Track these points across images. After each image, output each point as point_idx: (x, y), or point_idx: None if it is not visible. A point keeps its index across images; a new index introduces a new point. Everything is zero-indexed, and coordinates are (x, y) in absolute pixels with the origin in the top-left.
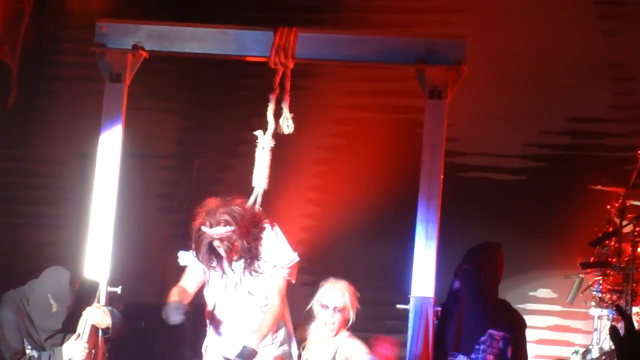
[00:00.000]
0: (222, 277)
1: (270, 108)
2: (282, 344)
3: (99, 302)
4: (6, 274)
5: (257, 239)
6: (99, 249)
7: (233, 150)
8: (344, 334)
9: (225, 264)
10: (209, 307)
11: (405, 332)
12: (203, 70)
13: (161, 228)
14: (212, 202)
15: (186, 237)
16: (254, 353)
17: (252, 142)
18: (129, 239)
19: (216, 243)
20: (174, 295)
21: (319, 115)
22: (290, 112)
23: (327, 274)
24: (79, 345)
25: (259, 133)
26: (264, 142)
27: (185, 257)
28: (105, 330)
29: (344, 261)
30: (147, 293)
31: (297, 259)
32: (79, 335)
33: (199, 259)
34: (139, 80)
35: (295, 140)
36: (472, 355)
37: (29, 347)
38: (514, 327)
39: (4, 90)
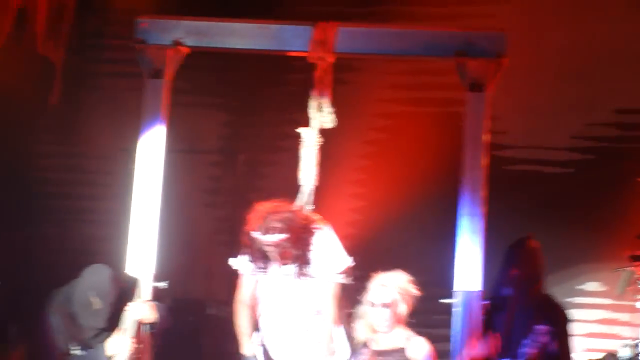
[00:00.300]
0: (273, 280)
1: (312, 104)
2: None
3: (143, 297)
4: (54, 270)
5: (309, 244)
6: (143, 244)
7: (277, 145)
8: (404, 332)
9: (278, 268)
10: (261, 306)
11: (452, 326)
12: (246, 64)
13: (206, 223)
14: (263, 208)
15: (231, 232)
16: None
17: (296, 137)
18: (174, 234)
19: (268, 249)
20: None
21: (361, 109)
22: (332, 106)
23: (372, 268)
24: (124, 341)
25: (302, 130)
26: (309, 140)
27: (236, 264)
28: (151, 325)
29: (390, 255)
30: (194, 288)
31: (352, 263)
32: (123, 330)
33: (250, 262)
34: (183, 76)
35: (339, 134)
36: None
37: (76, 347)
38: (559, 321)
39: (49, 86)
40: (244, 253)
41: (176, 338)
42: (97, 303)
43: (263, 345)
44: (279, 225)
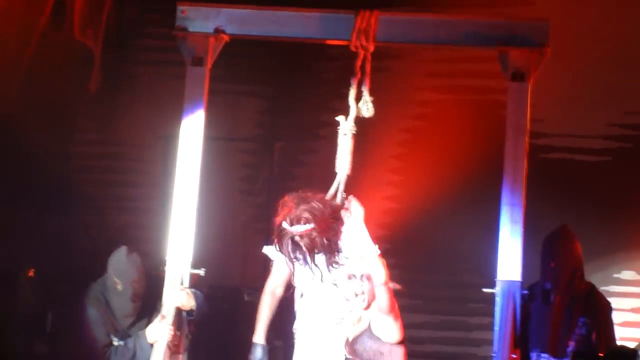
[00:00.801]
0: (306, 270)
1: (352, 93)
2: None
3: (182, 284)
4: (92, 258)
5: (337, 233)
6: (181, 231)
7: (314, 133)
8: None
9: (308, 258)
10: (297, 295)
11: (489, 315)
12: (284, 52)
13: (243, 210)
14: (292, 198)
15: (268, 220)
16: (262, 348)
17: (334, 125)
18: (212, 221)
19: (297, 239)
20: (263, 313)
21: (399, 96)
22: (370, 95)
23: (408, 257)
24: (163, 328)
25: (340, 119)
26: (346, 128)
27: (270, 252)
28: (189, 313)
29: (425, 244)
30: (230, 275)
31: (377, 251)
32: (162, 317)
33: (282, 253)
34: (220, 64)
35: (376, 122)
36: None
37: (115, 338)
38: (598, 311)
39: (88, 74)
40: (275, 243)
41: (212, 325)
42: (118, 283)
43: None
44: (307, 215)
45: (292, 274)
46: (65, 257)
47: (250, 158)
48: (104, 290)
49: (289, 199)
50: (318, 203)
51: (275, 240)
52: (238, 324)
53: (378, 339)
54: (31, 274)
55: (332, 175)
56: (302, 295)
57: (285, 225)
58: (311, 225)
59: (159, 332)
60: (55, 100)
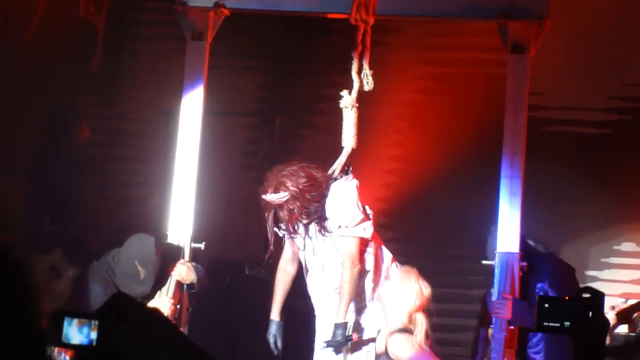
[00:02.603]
0: (303, 241)
1: (354, 66)
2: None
3: (183, 258)
4: (93, 233)
5: (318, 200)
6: (182, 205)
7: (315, 108)
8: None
9: (301, 228)
10: (304, 269)
11: (488, 287)
12: (284, 27)
13: (243, 185)
14: (271, 170)
15: None
16: (344, 326)
17: (334, 99)
18: (212, 196)
19: (278, 210)
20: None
21: (399, 70)
22: (371, 68)
23: (408, 230)
24: (164, 301)
25: (344, 93)
26: (350, 102)
27: (280, 229)
28: (190, 286)
29: (426, 217)
30: (231, 249)
31: (362, 216)
32: (162, 291)
33: (267, 226)
34: (220, 38)
35: (376, 96)
36: None
37: None
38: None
39: (91, 50)
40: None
41: (212, 299)
42: (142, 272)
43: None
44: (278, 184)
45: (297, 249)
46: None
47: (251, 133)
48: (112, 272)
49: (269, 172)
50: (293, 171)
51: (265, 215)
52: (239, 297)
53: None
54: None
55: (333, 149)
56: (307, 271)
57: (264, 196)
58: (285, 194)
59: (160, 306)
60: (58, 75)
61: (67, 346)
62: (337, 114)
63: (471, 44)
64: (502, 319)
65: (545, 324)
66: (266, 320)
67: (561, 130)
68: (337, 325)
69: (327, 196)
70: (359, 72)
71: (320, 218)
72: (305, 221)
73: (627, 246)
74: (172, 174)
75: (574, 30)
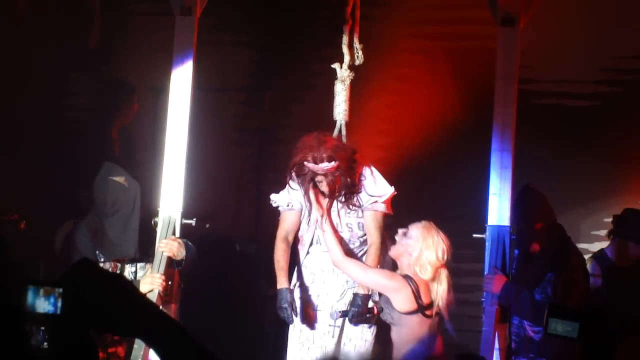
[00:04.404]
0: (321, 214)
1: (345, 40)
2: None
3: (174, 234)
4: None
5: (356, 174)
6: (172, 181)
7: (305, 83)
8: None
9: (324, 200)
10: (306, 243)
11: (480, 261)
12: (273, 1)
13: (234, 161)
14: (313, 138)
15: (259, 170)
16: (367, 297)
17: (325, 74)
18: (202, 172)
19: (319, 178)
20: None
21: (390, 44)
22: (360, 42)
23: (399, 205)
24: (155, 277)
25: (336, 66)
26: (342, 75)
27: (279, 199)
28: (178, 263)
29: (417, 192)
30: (221, 225)
31: (394, 191)
32: (153, 267)
33: (302, 195)
34: (209, 13)
35: (367, 71)
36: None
37: (102, 256)
38: (567, 269)
39: (84, 26)
40: (294, 184)
41: (203, 275)
42: (123, 180)
43: (302, 284)
44: (331, 153)
45: (301, 220)
46: (57, 208)
47: (241, 108)
48: (97, 213)
49: (309, 139)
50: (340, 143)
51: (297, 181)
52: (230, 274)
53: (391, 305)
54: (23, 225)
55: (323, 124)
56: (308, 253)
57: (308, 164)
58: (335, 163)
59: (151, 282)
60: (54, 53)
61: (33, 315)
62: (328, 88)
63: (461, 17)
64: (493, 293)
65: (552, 333)
66: (257, 296)
67: (551, 102)
68: (359, 296)
69: (362, 169)
70: (350, 45)
71: (353, 192)
72: (341, 193)
73: None
74: (162, 150)
75: (564, 2)
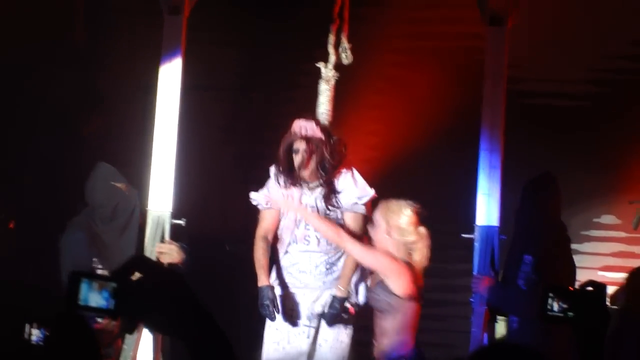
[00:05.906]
0: (292, 214)
1: (331, 39)
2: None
3: (163, 234)
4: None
5: (336, 164)
6: (161, 181)
7: (293, 82)
8: None
9: (307, 198)
10: (285, 242)
11: (469, 261)
12: (263, 0)
13: (222, 160)
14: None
15: (247, 170)
16: (344, 300)
17: (313, 74)
18: (190, 171)
19: (296, 147)
20: (260, 258)
21: (378, 44)
22: (349, 42)
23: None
24: (163, 246)
25: (321, 65)
26: (326, 75)
27: (259, 197)
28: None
29: (406, 192)
30: (210, 225)
31: (374, 194)
32: None
33: (278, 170)
34: (197, 13)
35: (355, 71)
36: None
37: (101, 267)
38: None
39: (68, 24)
40: (276, 169)
41: (193, 275)
42: (121, 185)
43: (280, 283)
44: (322, 124)
45: (280, 220)
46: (45, 209)
47: (229, 107)
48: (90, 216)
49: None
50: (331, 129)
51: (277, 162)
52: (220, 274)
53: (389, 290)
54: (11, 225)
55: None
56: (286, 252)
57: (298, 122)
58: (320, 135)
59: (168, 251)
60: (38, 51)
61: (86, 309)
62: (317, 89)
63: (449, 16)
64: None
65: (549, 313)
66: (246, 297)
67: (541, 102)
68: (336, 299)
69: (343, 170)
70: (336, 45)
71: (331, 191)
72: (307, 172)
73: (607, 219)
74: (150, 149)
75: (553, 2)
